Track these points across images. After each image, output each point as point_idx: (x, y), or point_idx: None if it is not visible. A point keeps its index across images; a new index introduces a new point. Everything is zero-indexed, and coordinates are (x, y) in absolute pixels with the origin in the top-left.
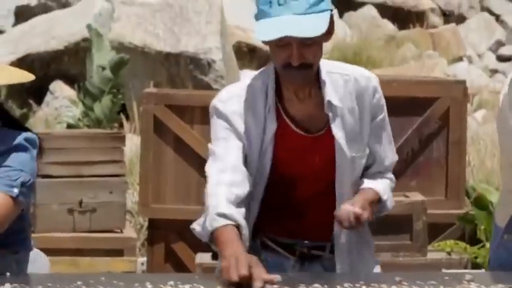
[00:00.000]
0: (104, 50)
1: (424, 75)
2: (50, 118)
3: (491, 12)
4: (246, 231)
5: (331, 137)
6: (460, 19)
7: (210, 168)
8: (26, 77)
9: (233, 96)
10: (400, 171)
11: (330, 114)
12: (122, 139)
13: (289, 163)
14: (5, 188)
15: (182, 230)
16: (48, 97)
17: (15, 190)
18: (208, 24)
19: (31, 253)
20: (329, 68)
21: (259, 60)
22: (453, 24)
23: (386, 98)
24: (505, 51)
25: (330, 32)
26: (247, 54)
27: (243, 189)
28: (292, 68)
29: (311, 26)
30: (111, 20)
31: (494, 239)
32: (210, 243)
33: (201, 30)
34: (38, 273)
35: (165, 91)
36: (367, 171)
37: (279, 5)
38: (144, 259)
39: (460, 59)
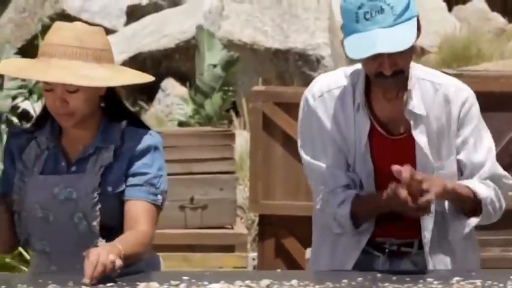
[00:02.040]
0: (215, 48)
1: None
2: (162, 115)
3: None
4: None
5: (411, 143)
6: None
7: (316, 183)
8: (145, 77)
9: (324, 92)
10: (507, 166)
11: (412, 122)
12: (231, 137)
13: (379, 163)
14: (151, 196)
15: (292, 226)
16: (159, 95)
17: (159, 198)
18: (317, 20)
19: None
20: (422, 75)
21: None
22: None
23: (494, 93)
24: None
25: (417, 36)
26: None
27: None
28: (385, 77)
29: (400, 38)
30: (220, 18)
31: None
32: (357, 225)
33: (310, 27)
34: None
35: (273, 88)
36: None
37: (366, 19)
38: (255, 254)
39: None
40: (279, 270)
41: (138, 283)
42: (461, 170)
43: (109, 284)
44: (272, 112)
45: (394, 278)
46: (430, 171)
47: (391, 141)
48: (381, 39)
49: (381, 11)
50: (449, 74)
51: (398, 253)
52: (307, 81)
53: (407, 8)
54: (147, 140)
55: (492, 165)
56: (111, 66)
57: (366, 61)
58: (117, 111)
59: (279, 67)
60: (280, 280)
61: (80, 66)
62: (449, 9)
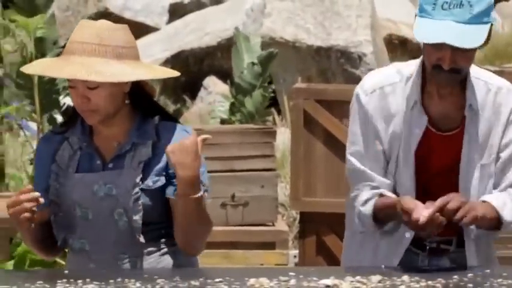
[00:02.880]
0: (253, 49)
1: None
2: (204, 113)
3: None
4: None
5: (460, 139)
6: None
7: (355, 178)
8: (170, 72)
9: (376, 89)
10: None
11: (468, 116)
12: (272, 134)
13: (425, 160)
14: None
15: (333, 223)
16: (202, 92)
17: (203, 189)
18: (359, 17)
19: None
20: (476, 74)
21: (411, 52)
22: None
23: None
24: None
25: (486, 41)
26: (398, 47)
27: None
28: (442, 70)
29: (470, 36)
30: (262, 16)
31: None
32: (379, 225)
33: (352, 24)
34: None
35: (314, 86)
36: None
37: (443, 9)
38: (296, 252)
39: None
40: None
41: (246, 278)
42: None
43: (217, 280)
44: (313, 109)
45: None
46: (474, 168)
47: (441, 137)
48: (452, 31)
49: (460, 5)
50: (490, 71)
51: (437, 250)
52: (349, 78)
53: (485, 12)
54: (184, 136)
55: None
56: (134, 62)
57: (429, 49)
58: (147, 107)
59: (321, 64)
60: (390, 276)
61: (97, 63)
62: (493, 5)
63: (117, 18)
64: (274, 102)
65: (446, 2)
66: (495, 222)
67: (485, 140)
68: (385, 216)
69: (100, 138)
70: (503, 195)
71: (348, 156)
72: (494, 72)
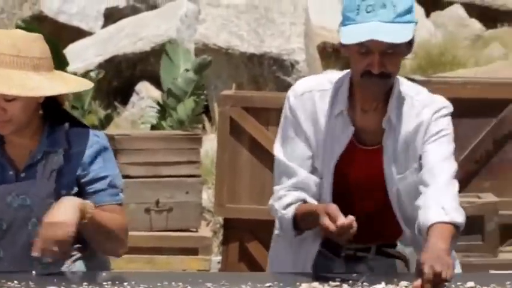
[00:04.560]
0: (187, 55)
1: (510, 74)
2: (135, 118)
3: None
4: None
5: (381, 154)
6: None
7: (279, 177)
8: (84, 85)
9: (306, 92)
10: (473, 173)
11: (386, 129)
12: (198, 140)
13: (345, 172)
14: (115, 198)
15: (256, 230)
16: (133, 98)
17: (120, 196)
18: (293, 25)
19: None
20: (403, 88)
21: (344, 60)
22: None
23: (461, 100)
24: None
25: (410, 45)
26: (332, 55)
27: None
28: (372, 76)
29: (397, 33)
30: (196, 22)
31: None
32: (297, 231)
33: (285, 32)
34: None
35: (241, 93)
36: (428, 187)
37: (367, 12)
38: (219, 258)
39: None
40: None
41: (298, 283)
42: (419, 180)
43: (267, 284)
44: (240, 117)
45: None
46: (395, 182)
47: (363, 151)
48: (379, 30)
49: (383, 6)
50: (418, 80)
51: (354, 257)
52: (281, 86)
53: (408, 11)
54: (95, 142)
55: (447, 175)
56: (50, 74)
57: (357, 57)
58: (57, 115)
59: (253, 72)
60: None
61: (16, 75)
62: (427, 15)
63: (52, 22)
64: (206, 109)
65: (370, 5)
66: (455, 232)
67: (405, 152)
68: (305, 222)
69: (12, 148)
70: (435, 201)
71: (276, 152)
72: (421, 82)
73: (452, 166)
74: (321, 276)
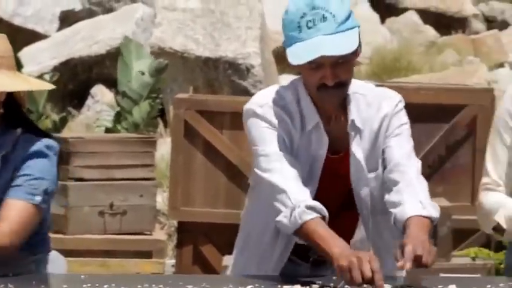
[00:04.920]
0: (143, 57)
1: (464, 81)
2: (90, 122)
3: None
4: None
5: (348, 158)
6: (503, 25)
7: (269, 169)
8: (45, 85)
9: (269, 104)
10: (426, 177)
11: (352, 134)
12: (153, 143)
13: (324, 184)
14: (28, 196)
15: (210, 233)
16: (89, 101)
17: (37, 198)
18: (249, 29)
19: (49, 254)
20: (354, 89)
21: None
22: (495, 30)
23: (414, 105)
24: None
25: (357, 49)
26: (287, 59)
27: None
28: (328, 88)
29: (343, 43)
30: (152, 25)
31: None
32: (297, 235)
33: (241, 36)
34: (63, 274)
35: (196, 96)
36: (400, 183)
37: (308, 28)
38: (173, 261)
39: (502, 65)
40: None
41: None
42: (385, 164)
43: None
44: (194, 120)
45: None
46: (364, 183)
47: (332, 160)
48: (325, 45)
49: (324, 19)
50: None
51: (320, 261)
52: (236, 90)
53: (348, 17)
54: (35, 147)
55: (417, 163)
56: (11, 72)
57: (309, 73)
58: (14, 118)
59: (208, 75)
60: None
61: None
62: (382, 21)
63: (7, 24)
64: (162, 113)
65: (310, 20)
66: (431, 226)
67: (372, 152)
68: (309, 240)
69: None
70: (411, 196)
71: (264, 175)
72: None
73: (417, 161)
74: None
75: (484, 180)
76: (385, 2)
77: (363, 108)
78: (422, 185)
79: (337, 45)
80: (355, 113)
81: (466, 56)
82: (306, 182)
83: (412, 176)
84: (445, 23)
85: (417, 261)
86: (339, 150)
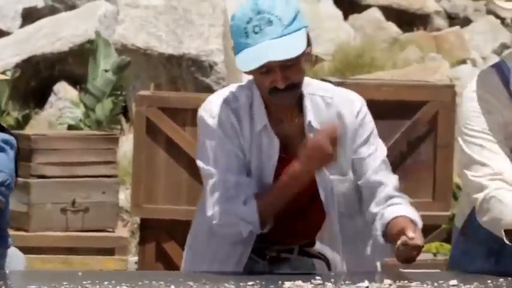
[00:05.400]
0: (110, 55)
1: (426, 77)
2: (53, 119)
3: (496, 16)
4: None
5: None
6: (466, 22)
7: (213, 196)
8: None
9: (222, 111)
10: None
11: (309, 135)
12: (115, 140)
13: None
14: None
15: (173, 230)
16: (51, 98)
17: None
18: (212, 26)
19: (8, 250)
20: (312, 90)
21: None
22: (457, 27)
23: (376, 102)
24: None
25: (309, 48)
26: None
27: None
28: (279, 91)
29: (290, 46)
30: (115, 22)
31: (454, 240)
32: (264, 222)
33: (204, 33)
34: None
35: (158, 94)
36: (379, 198)
37: (255, 33)
38: (136, 258)
39: (464, 61)
40: None
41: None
42: (361, 182)
43: (250, 283)
44: (156, 117)
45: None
46: (329, 186)
47: (287, 159)
48: (271, 49)
49: (269, 23)
50: (333, 82)
51: (277, 259)
52: (199, 87)
53: (295, 18)
54: None
55: (394, 177)
56: None
57: (259, 77)
58: None
59: (171, 72)
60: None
61: None
62: (345, 17)
63: None
64: (126, 110)
65: (256, 25)
66: None
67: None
68: (274, 200)
69: None
70: (400, 205)
71: (212, 170)
72: (336, 83)
73: (393, 176)
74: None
75: (486, 170)
76: None
77: (321, 109)
78: (402, 195)
79: (284, 49)
80: (312, 114)
81: (429, 53)
82: (260, 181)
83: (391, 187)
84: (408, 20)
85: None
86: (294, 150)
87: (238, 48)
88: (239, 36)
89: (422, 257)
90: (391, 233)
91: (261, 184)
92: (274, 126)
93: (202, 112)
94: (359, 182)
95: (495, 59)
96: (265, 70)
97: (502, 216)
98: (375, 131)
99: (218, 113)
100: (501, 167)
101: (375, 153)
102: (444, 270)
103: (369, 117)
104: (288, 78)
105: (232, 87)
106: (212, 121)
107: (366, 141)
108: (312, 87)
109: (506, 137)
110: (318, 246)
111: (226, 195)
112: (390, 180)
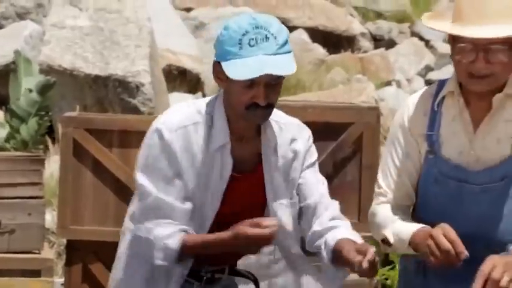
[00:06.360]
0: (32, 74)
1: (352, 99)
2: None
3: (421, 38)
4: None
5: (260, 181)
6: (390, 44)
7: (145, 215)
8: None
9: (180, 127)
10: None
11: (268, 158)
12: (41, 162)
13: (227, 202)
14: None
15: (99, 251)
16: None
17: None
18: (138, 47)
19: None
20: None
21: (190, 82)
22: (382, 49)
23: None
24: (433, 76)
25: None
26: (177, 77)
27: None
28: (258, 108)
29: (284, 64)
30: (41, 43)
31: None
32: (181, 259)
33: (130, 54)
34: None
35: (85, 115)
36: (323, 218)
37: (250, 46)
38: (63, 280)
39: (389, 83)
40: None
41: None
42: (304, 206)
43: None
44: (83, 138)
45: None
46: (277, 204)
47: (242, 180)
48: (268, 64)
49: (266, 39)
50: None
51: (212, 279)
52: (126, 108)
53: (287, 41)
54: None
55: (334, 202)
56: None
57: (241, 90)
58: None
59: (98, 93)
60: None
61: None
62: None
63: None
64: (51, 131)
65: (252, 39)
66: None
67: (286, 178)
68: (201, 247)
69: None
70: (343, 228)
71: (149, 188)
72: None
73: (334, 201)
74: None
75: (376, 190)
76: None
77: (276, 133)
78: (345, 219)
79: (281, 66)
80: (268, 136)
81: (354, 74)
82: (207, 199)
83: (335, 210)
84: (334, 42)
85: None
86: (245, 170)
87: (226, 57)
88: (231, 46)
89: (348, 277)
90: (340, 256)
91: (208, 202)
92: (231, 145)
93: (160, 125)
94: (301, 205)
95: (419, 81)
96: (249, 84)
97: (377, 229)
98: (316, 162)
99: (176, 129)
100: (389, 187)
101: (318, 178)
102: None
103: (314, 147)
104: (268, 97)
105: (195, 102)
106: (168, 136)
107: (312, 166)
108: None
109: (408, 153)
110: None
111: (157, 215)
112: (332, 204)
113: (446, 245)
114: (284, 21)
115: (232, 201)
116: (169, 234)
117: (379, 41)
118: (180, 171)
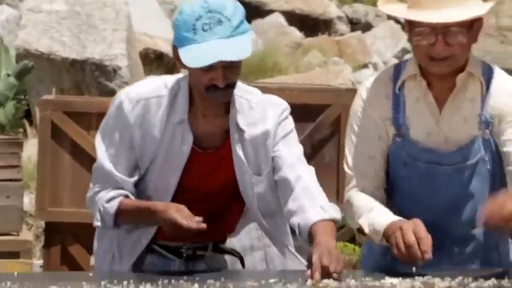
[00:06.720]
0: (10, 60)
1: (329, 81)
2: None
3: (397, 21)
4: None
5: (228, 158)
6: (367, 27)
7: (96, 176)
8: None
9: (142, 99)
10: None
11: (234, 134)
12: (19, 145)
13: (188, 177)
14: None
15: (78, 233)
16: None
17: None
18: (115, 31)
19: None
20: (239, 92)
21: (166, 66)
22: (359, 32)
23: None
24: None
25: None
26: (154, 61)
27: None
28: (217, 89)
29: (240, 48)
30: (18, 27)
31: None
32: (116, 224)
33: (107, 38)
34: None
35: (63, 98)
36: (296, 192)
37: (204, 30)
38: (41, 261)
39: (365, 66)
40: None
41: None
42: (277, 178)
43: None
44: (61, 121)
45: None
46: (249, 185)
47: (206, 156)
48: (222, 49)
49: (219, 22)
50: None
51: (194, 256)
52: (103, 91)
53: (242, 21)
54: None
55: (308, 171)
56: None
57: (198, 73)
58: None
59: (75, 77)
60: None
61: None
62: (249, 22)
63: None
64: (28, 114)
65: (206, 23)
66: (335, 227)
67: (256, 155)
68: (130, 215)
69: None
70: (311, 202)
71: (99, 154)
72: None
73: (309, 166)
74: None
75: (348, 173)
76: (251, 4)
77: (246, 112)
78: (319, 188)
79: (235, 50)
80: (237, 114)
81: (331, 57)
82: (166, 173)
83: (308, 180)
84: (310, 25)
85: (324, 269)
86: (210, 146)
87: (182, 43)
88: (185, 31)
89: None
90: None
91: (167, 175)
92: (193, 122)
93: (122, 95)
94: (275, 177)
95: None
96: (207, 67)
97: (353, 217)
98: (295, 135)
99: (137, 100)
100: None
101: (291, 150)
102: (349, 270)
103: (290, 121)
104: (227, 78)
105: (166, 76)
106: (126, 107)
107: (284, 137)
108: (239, 89)
109: (380, 135)
110: (231, 243)
111: (102, 180)
112: (306, 173)
113: (412, 239)
114: (261, 5)
115: (195, 176)
116: (109, 197)
117: (355, 24)
118: (133, 143)
